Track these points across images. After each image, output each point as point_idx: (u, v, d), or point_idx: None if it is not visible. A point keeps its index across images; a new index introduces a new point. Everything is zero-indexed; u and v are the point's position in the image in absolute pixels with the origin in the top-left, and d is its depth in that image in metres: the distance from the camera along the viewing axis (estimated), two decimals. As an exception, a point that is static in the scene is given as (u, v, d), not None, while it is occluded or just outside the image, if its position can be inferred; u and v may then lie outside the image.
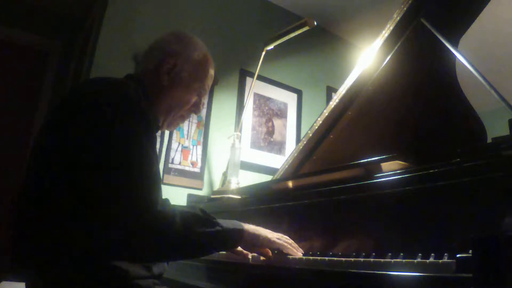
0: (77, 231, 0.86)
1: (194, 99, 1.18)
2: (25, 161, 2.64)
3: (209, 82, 1.23)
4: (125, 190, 0.84)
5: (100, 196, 0.84)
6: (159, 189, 0.91)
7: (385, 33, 1.46)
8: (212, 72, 1.23)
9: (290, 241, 1.09)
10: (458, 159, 0.84)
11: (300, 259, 0.99)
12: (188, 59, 1.16)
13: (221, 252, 1.25)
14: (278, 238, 1.07)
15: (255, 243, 1.04)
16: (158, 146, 2.22)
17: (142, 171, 0.88)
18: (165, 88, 1.12)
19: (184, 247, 0.94)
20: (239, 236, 1.02)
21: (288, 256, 1.03)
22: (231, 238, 1.01)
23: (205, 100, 1.25)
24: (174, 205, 0.94)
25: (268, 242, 1.05)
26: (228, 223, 1.01)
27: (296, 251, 1.07)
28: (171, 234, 0.88)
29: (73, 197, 0.86)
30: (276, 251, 1.08)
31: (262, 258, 1.08)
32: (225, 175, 2.04)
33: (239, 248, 1.11)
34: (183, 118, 1.21)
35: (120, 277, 0.92)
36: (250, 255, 1.11)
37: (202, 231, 0.93)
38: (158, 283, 1.03)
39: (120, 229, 0.84)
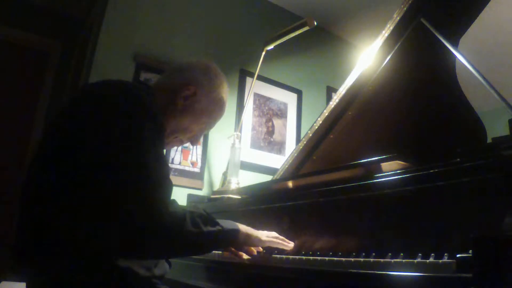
0: (81, 231, 0.86)
1: (197, 130, 1.21)
2: (25, 161, 2.64)
3: (216, 122, 1.27)
4: (142, 191, 0.85)
5: (115, 197, 0.85)
6: (171, 191, 0.93)
7: (385, 33, 1.45)
8: (222, 114, 1.27)
9: (281, 238, 1.15)
10: (458, 159, 0.84)
11: (300, 259, 0.99)
12: (208, 93, 1.18)
13: (220, 252, 1.26)
14: (267, 236, 1.12)
15: (247, 242, 1.09)
16: (158, 146, 2.22)
17: (156, 172, 0.89)
18: (176, 111, 1.14)
19: (192, 245, 0.97)
20: (235, 236, 1.06)
21: (288, 257, 1.04)
22: (229, 238, 1.05)
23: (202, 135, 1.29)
24: (181, 206, 0.96)
25: (259, 241, 1.10)
26: (226, 223, 1.04)
27: (287, 244, 1.14)
28: (183, 233, 0.91)
29: (80, 197, 0.86)
30: (264, 250, 1.15)
31: (247, 257, 1.13)
32: (225, 175, 2.04)
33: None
34: (181, 142, 1.24)
35: (121, 278, 0.92)
36: (238, 254, 1.15)
37: (207, 230, 0.96)
38: (158, 283, 1.04)
39: (135, 229, 0.85)
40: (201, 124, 1.20)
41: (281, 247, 1.13)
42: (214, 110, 1.22)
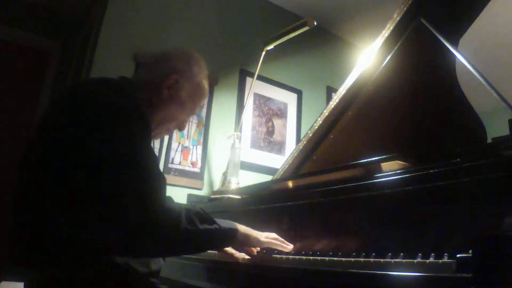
0: (78, 230, 0.86)
1: (183, 117, 1.22)
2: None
3: (201, 105, 1.29)
4: (136, 188, 0.86)
5: (109, 196, 0.85)
6: (165, 187, 0.93)
7: (385, 33, 1.45)
8: (206, 97, 1.29)
9: (280, 239, 1.14)
10: (458, 159, 0.84)
11: (300, 259, 0.99)
12: (190, 79, 1.19)
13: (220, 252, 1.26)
14: (266, 237, 1.12)
15: (246, 242, 1.09)
16: (158, 146, 2.23)
17: (149, 170, 0.90)
18: (162, 101, 1.15)
19: (188, 243, 0.97)
20: (233, 236, 1.06)
21: (288, 257, 1.03)
22: (226, 237, 1.05)
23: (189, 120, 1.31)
24: (177, 203, 0.97)
25: (258, 242, 1.10)
26: (224, 222, 1.04)
27: (286, 246, 1.13)
28: (179, 231, 0.91)
29: (75, 196, 0.86)
30: (264, 251, 1.15)
31: (247, 257, 1.13)
32: (225, 175, 2.04)
33: (227, 248, 1.16)
34: (168, 131, 1.26)
35: (120, 276, 0.92)
36: (237, 254, 1.16)
37: (204, 228, 0.97)
38: (158, 283, 1.04)
39: (131, 226, 0.85)
40: (186, 110, 1.21)
41: (280, 248, 1.12)
42: (198, 95, 1.23)
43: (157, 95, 1.14)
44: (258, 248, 1.14)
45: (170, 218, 0.90)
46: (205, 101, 1.31)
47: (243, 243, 1.09)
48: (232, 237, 1.06)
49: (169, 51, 1.23)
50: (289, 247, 1.13)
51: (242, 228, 1.09)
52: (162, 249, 0.97)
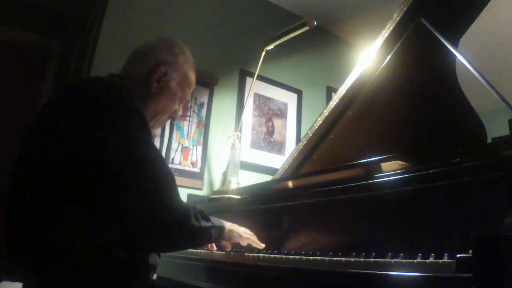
0: (78, 230, 0.86)
1: (175, 107, 1.23)
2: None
3: (191, 92, 1.30)
4: (143, 184, 0.87)
5: (113, 194, 0.86)
6: (174, 181, 0.96)
7: (385, 33, 1.46)
8: (194, 83, 1.29)
9: (255, 237, 1.23)
10: (458, 159, 0.84)
11: (300, 258, 0.99)
12: (177, 69, 1.20)
13: (220, 252, 1.26)
14: (244, 232, 1.20)
15: (230, 238, 1.16)
16: (158, 146, 2.23)
17: (155, 163, 0.92)
18: (153, 94, 1.15)
19: (191, 238, 1.01)
20: (222, 232, 1.13)
21: (288, 257, 1.03)
22: (218, 234, 1.10)
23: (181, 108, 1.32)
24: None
25: (240, 238, 1.18)
26: (214, 220, 1.09)
27: (260, 244, 1.22)
28: (186, 227, 0.95)
29: (75, 196, 0.86)
30: (264, 250, 1.21)
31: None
32: (225, 175, 2.04)
33: None
34: (162, 123, 1.27)
35: (119, 275, 0.92)
36: (215, 248, 1.28)
37: (204, 225, 1.02)
38: (157, 282, 1.04)
39: (141, 223, 0.87)
40: (177, 99, 1.22)
41: (254, 245, 1.21)
42: (187, 83, 1.24)
43: (147, 89, 1.15)
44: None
45: (180, 214, 0.93)
46: (194, 84, 1.31)
47: (227, 238, 1.15)
48: (221, 233, 1.12)
49: (153, 43, 1.24)
50: (262, 245, 1.22)
51: (227, 224, 1.15)
52: (169, 244, 0.99)
